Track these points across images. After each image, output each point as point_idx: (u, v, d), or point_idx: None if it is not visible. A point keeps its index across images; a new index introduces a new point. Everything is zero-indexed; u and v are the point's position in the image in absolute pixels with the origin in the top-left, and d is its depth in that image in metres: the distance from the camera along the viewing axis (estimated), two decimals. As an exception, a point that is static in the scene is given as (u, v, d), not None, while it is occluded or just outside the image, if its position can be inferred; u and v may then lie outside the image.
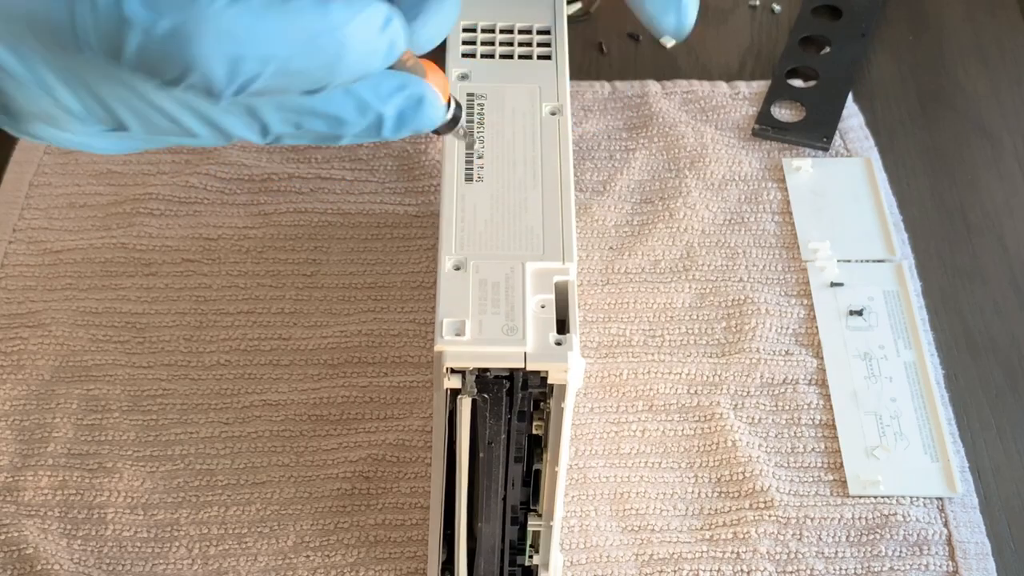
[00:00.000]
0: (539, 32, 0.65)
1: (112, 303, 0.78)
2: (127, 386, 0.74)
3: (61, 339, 0.76)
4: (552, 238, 0.57)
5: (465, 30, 0.65)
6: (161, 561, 0.68)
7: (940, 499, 0.70)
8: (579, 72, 0.92)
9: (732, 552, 0.68)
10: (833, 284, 0.79)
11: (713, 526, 0.69)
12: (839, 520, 0.69)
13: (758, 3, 0.98)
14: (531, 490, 0.61)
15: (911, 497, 0.70)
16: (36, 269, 0.80)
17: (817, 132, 0.87)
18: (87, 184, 0.84)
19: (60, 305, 0.78)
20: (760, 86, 0.90)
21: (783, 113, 0.89)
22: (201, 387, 0.75)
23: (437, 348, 0.53)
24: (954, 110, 0.90)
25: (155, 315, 0.78)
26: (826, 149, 0.86)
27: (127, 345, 0.76)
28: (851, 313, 0.77)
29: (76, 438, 0.72)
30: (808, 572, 0.67)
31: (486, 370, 0.54)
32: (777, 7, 0.97)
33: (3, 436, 0.72)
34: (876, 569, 0.67)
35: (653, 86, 0.90)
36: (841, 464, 0.71)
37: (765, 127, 0.87)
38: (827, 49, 0.93)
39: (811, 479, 0.71)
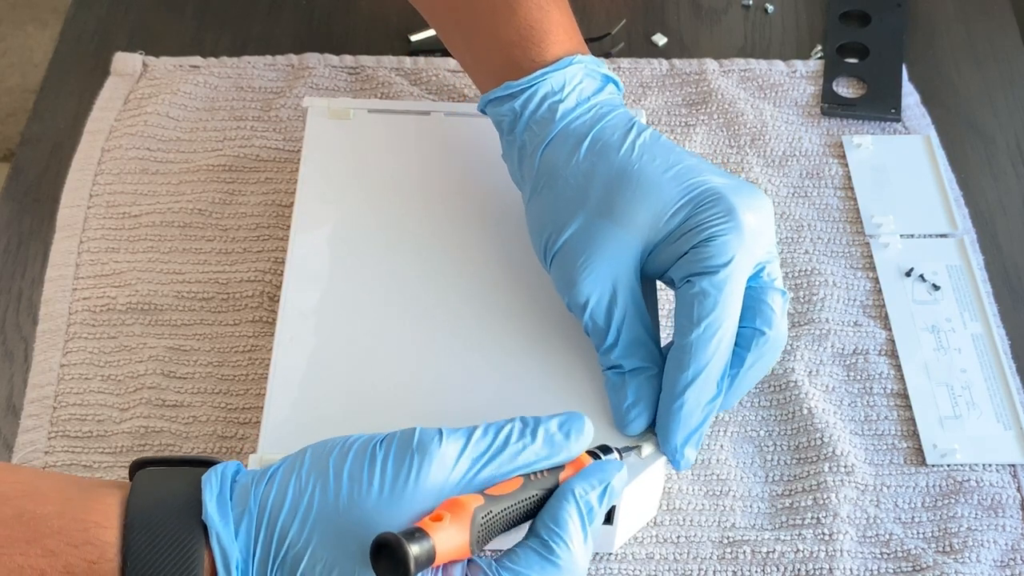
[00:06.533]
0: None
1: (194, 265, 0.79)
2: (214, 342, 0.76)
3: (147, 296, 0.77)
4: None
5: None
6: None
7: (1013, 465, 0.71)
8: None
9: (812, 517, 0.69)
10: (897, 258, 0.80)
11: (794, 492, 0.70)
12: (914, 487, 0.70)
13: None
14: None
15: (983, 464, 0.71)
16: (117, 232, 0.80)
17: (883, 105, 0.88)
18: (158, 151, 0.85)
19: (144, 266, 0.79)
20: (817, 65, 0.91)
21: (844, 90, 0.90)
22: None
23: None
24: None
25: (235, 273, 0.78)
26: (898, 119, 0.87)
27: (211, 303, 0.77)
28: (920, 278, 0.79)
29: (161, 386, 0.74)
30: (887, 536, 0.68)
31: None
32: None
33: (92, 387, 0.73)
34: (953, 530, 0.68)
35: (711, 64, 0.91)
36: (914, 432, 0.72)
37: (832, 105, 0.88)
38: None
39: (886, 447, 0.72)
